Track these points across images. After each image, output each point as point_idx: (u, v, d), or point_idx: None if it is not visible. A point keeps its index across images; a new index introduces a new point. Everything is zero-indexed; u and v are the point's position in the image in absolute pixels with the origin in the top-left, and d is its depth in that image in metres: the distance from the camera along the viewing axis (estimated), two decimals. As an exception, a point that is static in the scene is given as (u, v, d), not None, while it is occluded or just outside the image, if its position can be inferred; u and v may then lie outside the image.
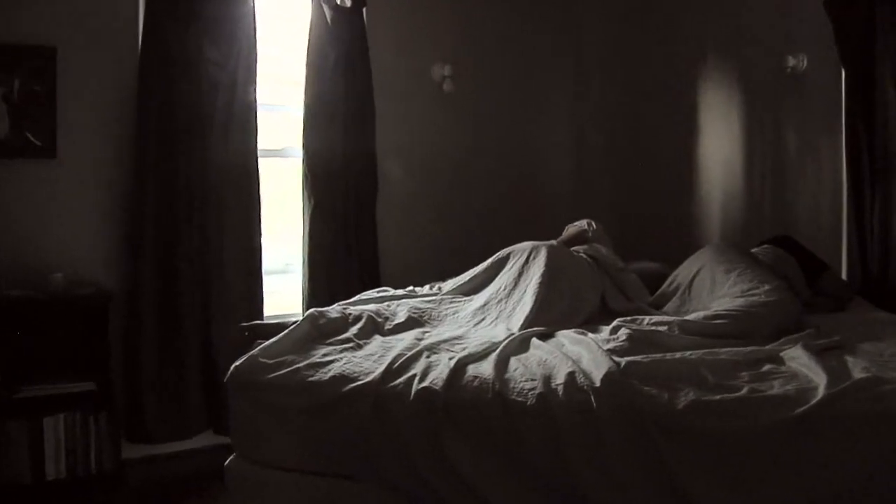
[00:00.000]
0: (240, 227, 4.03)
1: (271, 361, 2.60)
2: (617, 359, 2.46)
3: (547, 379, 2.37)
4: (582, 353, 2.58)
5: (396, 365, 2.53)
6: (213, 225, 3.95)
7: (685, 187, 4.89)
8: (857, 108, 3.84)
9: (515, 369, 2.48)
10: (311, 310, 3.04)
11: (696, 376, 2.38)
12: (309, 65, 4.26)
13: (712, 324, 2.88)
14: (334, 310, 3.11)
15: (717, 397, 2.24)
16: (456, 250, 4.62)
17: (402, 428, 2.36)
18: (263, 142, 4.12)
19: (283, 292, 4.53)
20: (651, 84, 5.08)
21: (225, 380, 2.65)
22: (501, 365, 2.51)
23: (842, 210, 4.05)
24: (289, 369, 2.57)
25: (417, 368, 2.51)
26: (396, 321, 3.11)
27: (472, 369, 2.49)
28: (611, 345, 2.64)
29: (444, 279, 4.16)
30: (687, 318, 2.98)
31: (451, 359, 2.56)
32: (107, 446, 3.63)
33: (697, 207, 4.84)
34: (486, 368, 2.49)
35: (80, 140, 3.80)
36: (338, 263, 4.33)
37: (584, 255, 3.61)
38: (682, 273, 3.60)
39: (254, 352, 2.67)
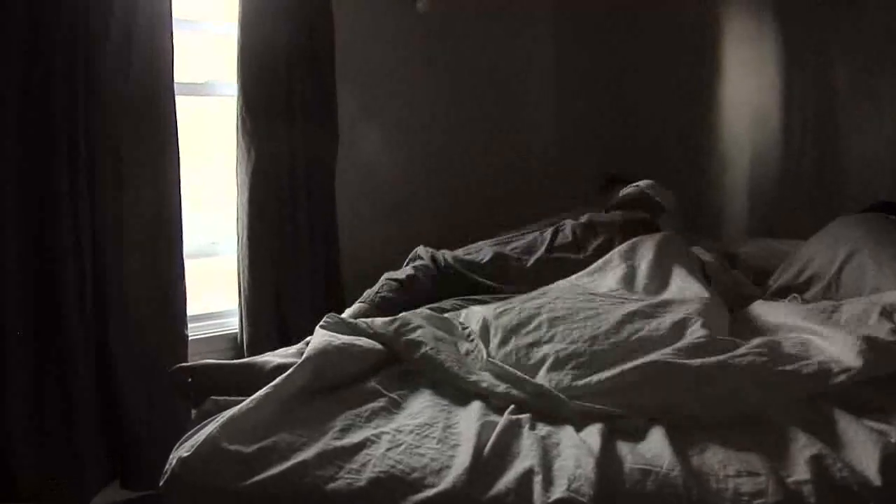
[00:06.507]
0: (147, 193, 3.14)
1: (248, 450, 1.42)
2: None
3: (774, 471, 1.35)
4: None
5: (487, 450, 1.41)
6: (107, 190, 3.05)
7: (701, 139, 4.29)
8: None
9: (704, 451, 1.42)
10: (324, 335, 1.79)
11: None
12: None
13: None
14: (354, 325, 1.87)
15: None
16: (430, 215, 3.98)
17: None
18: (181, 73, 3.23)
19: (210, 281, 3.64)
20: (656, 6, 4.39)
21: (161, 482, 1.45)
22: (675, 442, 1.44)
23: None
24: (286, 465, 1.41)
25: (530, 457, 1.40)
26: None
27: (629, 455, 1.41)
28: None
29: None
30: None
31: (579, 431, 1.46)
32: (-45, 527, 2.64)
33: (718, 165, 4.24)
34: (656, 449, 1.42)
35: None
36: (286, 240, 3.45)
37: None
38: (818, 259, 2.74)
39: (211, 429, 1.47)
